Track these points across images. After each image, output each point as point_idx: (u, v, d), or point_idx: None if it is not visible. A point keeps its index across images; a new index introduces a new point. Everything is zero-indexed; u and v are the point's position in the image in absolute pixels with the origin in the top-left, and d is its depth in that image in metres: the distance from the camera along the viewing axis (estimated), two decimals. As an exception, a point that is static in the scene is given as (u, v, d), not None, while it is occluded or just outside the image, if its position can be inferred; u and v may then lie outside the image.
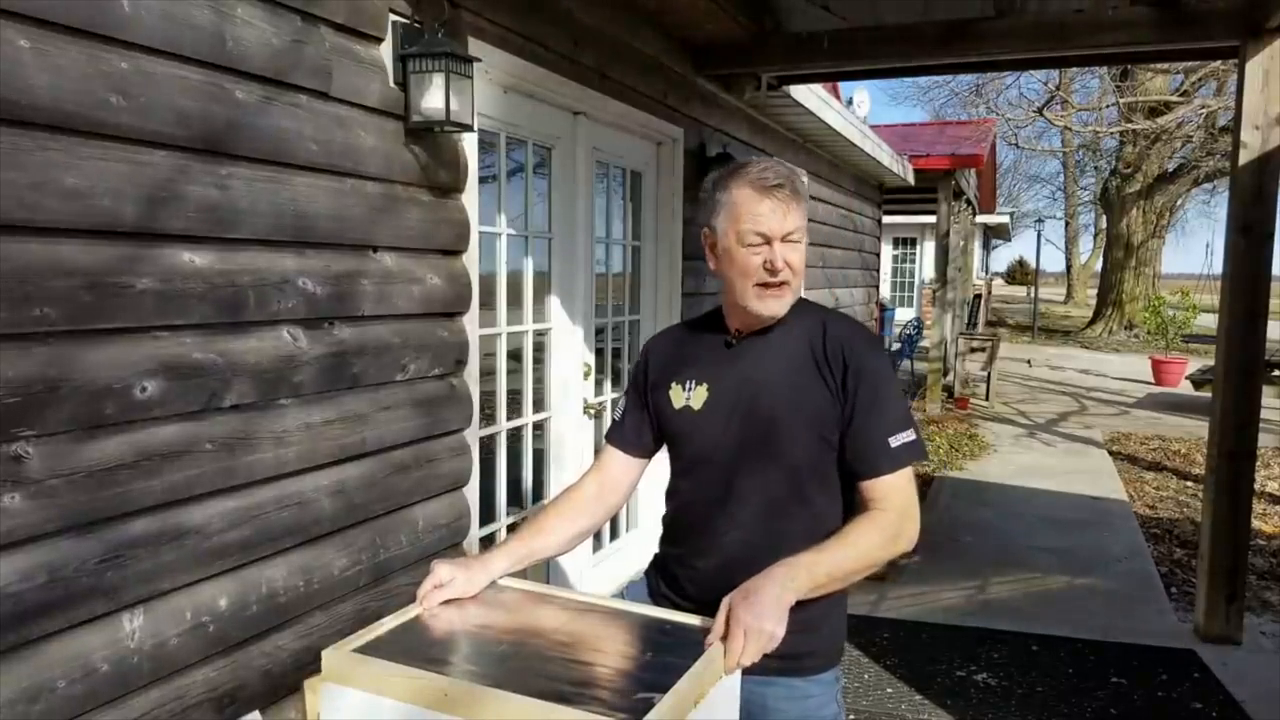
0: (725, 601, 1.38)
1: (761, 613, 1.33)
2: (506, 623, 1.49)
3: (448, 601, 1.51)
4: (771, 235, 1.54)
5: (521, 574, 1.66)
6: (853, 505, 1.62)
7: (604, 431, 1.87)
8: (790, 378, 1.60)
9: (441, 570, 1.52)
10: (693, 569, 1.67)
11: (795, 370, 1.60)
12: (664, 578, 1.74)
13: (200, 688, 1.84)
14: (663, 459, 1.81)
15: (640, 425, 1.76)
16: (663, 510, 1.78)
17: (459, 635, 1.45)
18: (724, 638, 1.34)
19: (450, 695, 1.22)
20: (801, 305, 1.67)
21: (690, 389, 1.66)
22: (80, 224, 1.59)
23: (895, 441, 1.56)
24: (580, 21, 3.31)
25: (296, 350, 2.06)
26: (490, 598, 1.57)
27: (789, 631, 1.37)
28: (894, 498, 1.55)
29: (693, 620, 1.47)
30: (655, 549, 1.81)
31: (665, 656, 1.35)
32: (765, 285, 1.56)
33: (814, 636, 1.59)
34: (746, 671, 1.37)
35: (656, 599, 1.71)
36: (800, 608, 1.41)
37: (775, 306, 1.59)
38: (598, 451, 1.90)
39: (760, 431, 1.59)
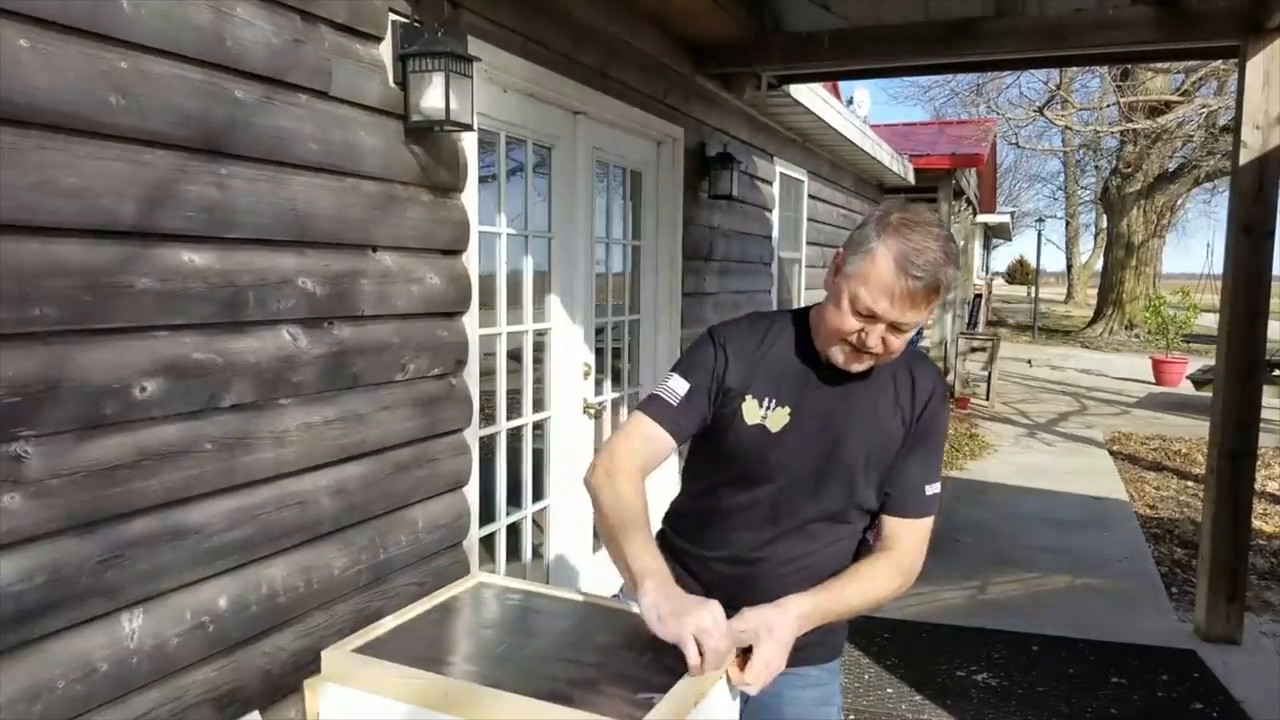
0: (747, 624, 1.36)
1: (783, 652, 1.36)
2: (506, 623, 1.49)
3: (446, 602, 1.51)
4: (880, 318, 1.44)
5: (521, 574, 1.65)
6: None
7: (648, 401, 1.63)
8: (877, 424, 1.59)
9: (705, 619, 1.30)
10: (713, 573, 1.64)
11: (882, 417, 1.59)
12: (688, 572, 1.66)
13: (200, 688, 1.84)
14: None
15: (693, 416, 1.60)
16: (669, 500, 1.75)
17: (459, 635, 1.45)
18: (740, 661, 1.35)
19: (450, 695, 1.22)
20: None
21: (769, 408, 1.57)
22: (80, 224, 1.59)
23: (930, 490, 1.60)
24: (580, 21, 3.31)
25: (296, 350, 2.06)
26: (489, 598, 1.57)
27: None
28: (912, 541, 1.59)
29: None
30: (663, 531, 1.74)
31: (665, 657, 1.35)
32: (853, 349, 1.49)
33: (826, 627, 1.60)
34: None
35: None
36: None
37: (851, 366, 1.52)
38: (597, 449, 1.85)
39: (836, 472, 1.58)
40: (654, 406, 1.61)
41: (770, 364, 1.59)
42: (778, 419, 1.56)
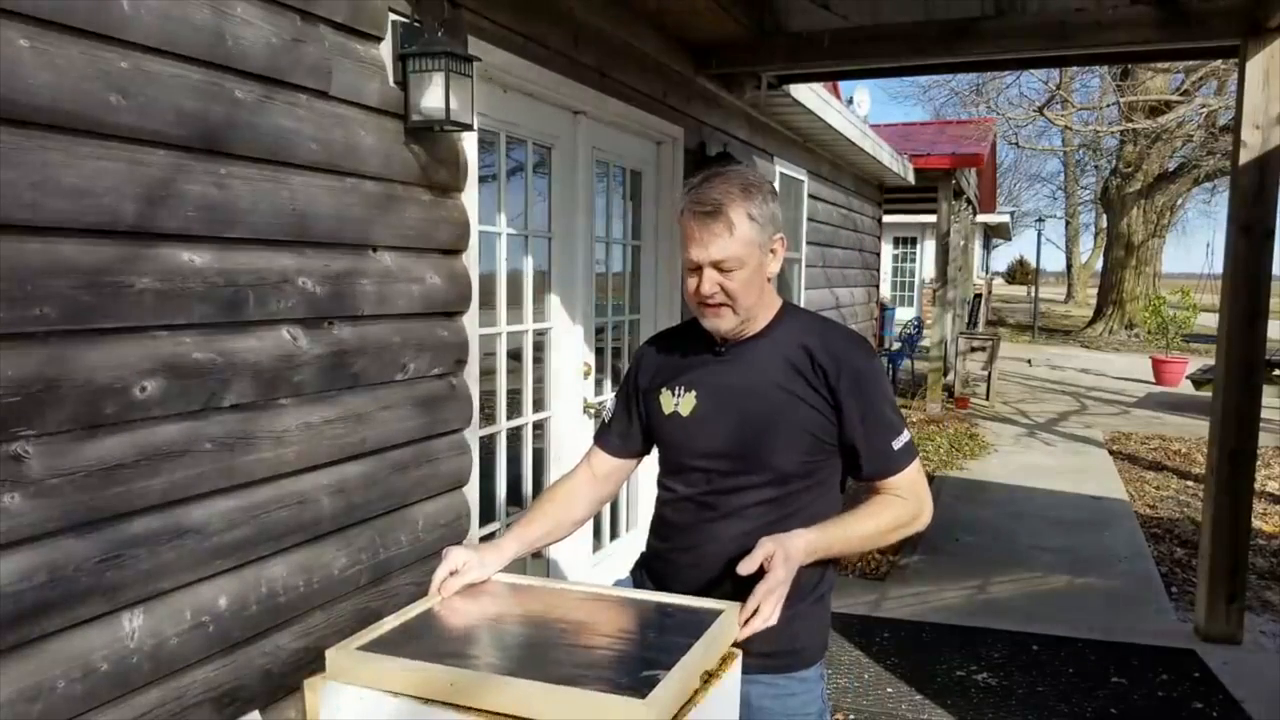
0: (764, 548, 1.43)
1: (788, 578, 1.43)
2: (510, 617, 1.50)
3: (447, 600, 1.52)
4: (700, 263, 1.57)
5: (521, 573, 1.66)
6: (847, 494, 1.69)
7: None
8: (779, 385, 1.62)
9: (455, 555, 1.55)
10: (678, 567, 1.70)
11: (784, 378, 1.62)
12: (650, 574, 1.77)
13: (200, 687, 1.84)
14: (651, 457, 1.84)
15: (628, 430, 1.82)
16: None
17: (461, 633, 1.45)
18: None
19: (456, 685, 1.22)
20: (792, 313, 1.70)
21: (679, 395, 1.70)
22: (80, 223, 1.59)
23: (898, 444, 1.63)
24: (580, 21, 3.31)
25: (296, 350, 2.06)
26: (493, 593, 1.57)
27: (770, 629, 1.42)
28: (908, 490, 1.64)
29: (694, 602, 1.49)
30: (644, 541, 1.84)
31: (669, 636, 1.36)
32: (703, 304, 1.61)
33: (794, 635, 1.61)
34: None
35: None
36: (784, 605, 1.44)
37: (716, 323, 1.63)
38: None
39: (747, 438, 1.62)
40: (598, 430, 1.88)
41: (678, 357, 1.76)
42: (687, 403, 1.69)
